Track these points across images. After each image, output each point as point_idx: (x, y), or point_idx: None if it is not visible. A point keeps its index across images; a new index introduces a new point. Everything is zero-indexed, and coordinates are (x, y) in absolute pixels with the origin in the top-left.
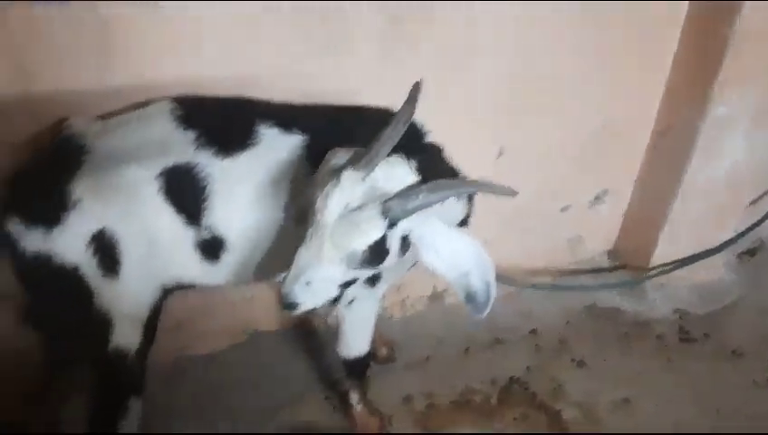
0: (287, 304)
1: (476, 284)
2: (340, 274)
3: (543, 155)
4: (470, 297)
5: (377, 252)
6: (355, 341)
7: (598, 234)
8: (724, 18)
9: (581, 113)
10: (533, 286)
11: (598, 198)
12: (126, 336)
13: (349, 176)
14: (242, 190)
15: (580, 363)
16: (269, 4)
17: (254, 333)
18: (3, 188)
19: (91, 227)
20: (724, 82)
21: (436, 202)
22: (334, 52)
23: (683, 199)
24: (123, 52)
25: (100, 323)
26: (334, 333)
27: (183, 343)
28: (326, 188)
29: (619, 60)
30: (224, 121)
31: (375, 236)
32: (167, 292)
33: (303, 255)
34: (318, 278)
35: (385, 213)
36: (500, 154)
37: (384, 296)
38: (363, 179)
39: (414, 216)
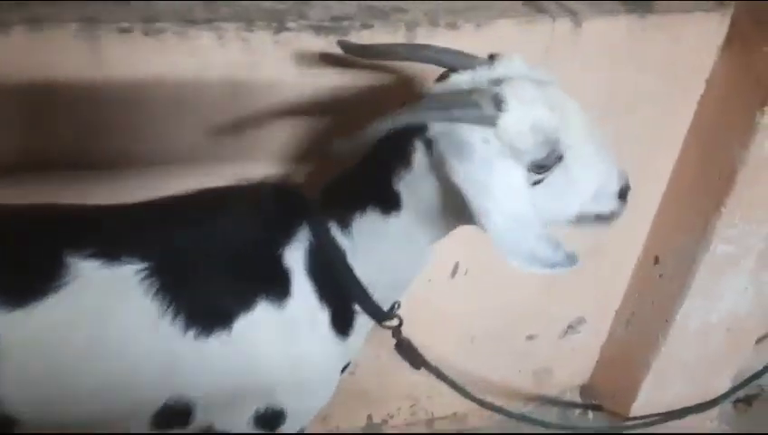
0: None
1: None
2: None
3: (507, 276)
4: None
5: None
6: None
7: (570, 368)
8: (739, 138)
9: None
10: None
11: (571, 328)
12: None
13: None
14: (41, 352)
15: None
16: None
17: None
18: None
19: None
20: (729, 214)
21: None
22: None
23: (672, 342)
24: None
25: None
26: None
27: None
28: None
29: None
30: (18, 255)
31: None
32: None
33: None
34: None
35: None
36: (455, 271)
37: None
38: None
39: None
